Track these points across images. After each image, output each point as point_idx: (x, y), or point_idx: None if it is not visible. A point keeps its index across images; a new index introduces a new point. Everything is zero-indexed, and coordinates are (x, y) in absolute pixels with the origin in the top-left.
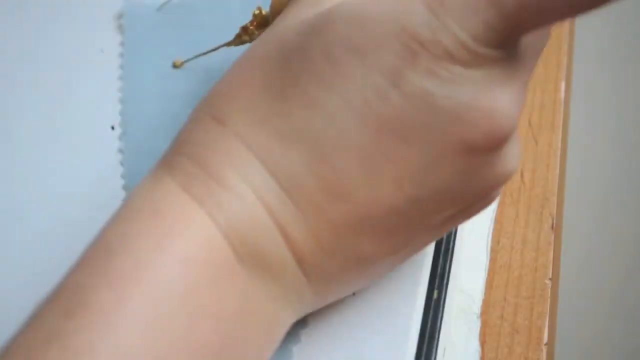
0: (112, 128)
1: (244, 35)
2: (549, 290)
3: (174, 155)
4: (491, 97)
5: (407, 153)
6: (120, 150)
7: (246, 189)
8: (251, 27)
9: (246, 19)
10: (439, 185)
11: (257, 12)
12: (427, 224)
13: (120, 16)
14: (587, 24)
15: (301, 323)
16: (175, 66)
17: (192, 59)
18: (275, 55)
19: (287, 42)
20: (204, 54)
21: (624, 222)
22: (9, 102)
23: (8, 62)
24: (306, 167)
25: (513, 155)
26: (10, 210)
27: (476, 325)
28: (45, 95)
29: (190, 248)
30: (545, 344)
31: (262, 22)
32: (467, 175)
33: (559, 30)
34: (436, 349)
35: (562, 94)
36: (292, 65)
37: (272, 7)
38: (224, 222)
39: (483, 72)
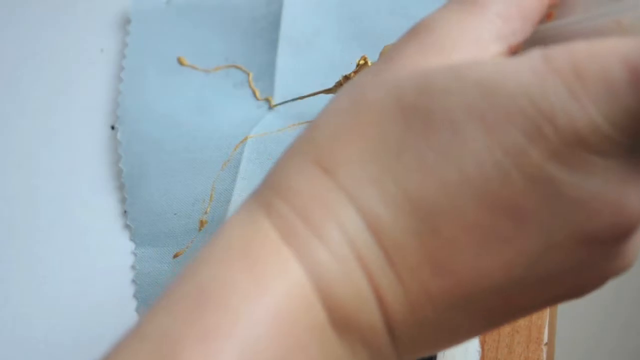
0: (112, 127)
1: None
2: None
3: (273, 197)
4: (622, 190)
5: (522, 236)
6: (123, 148)
7: (348, 250)
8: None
9: (250, 18)
10: (550, 271)
11: (362, 62)
12: (528, 305)
13: (123, 16)
14: None
15: None
16: (180, 63)
17: (284, 102)
18: (392, 109)
19: (406, 97)
20: (299, 98)
21: None
22: (8, 100)
23: (8, 61)
24: (414, 237)
25: (633, 249)
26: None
27: None
28: (45, 94)
29: (284, 306)
30: (545, 344)
31: None
32: (582, 265)
33: None
34: None
35: None
36: (410, 124)
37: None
38: (321, 282)
39: (617, 162)
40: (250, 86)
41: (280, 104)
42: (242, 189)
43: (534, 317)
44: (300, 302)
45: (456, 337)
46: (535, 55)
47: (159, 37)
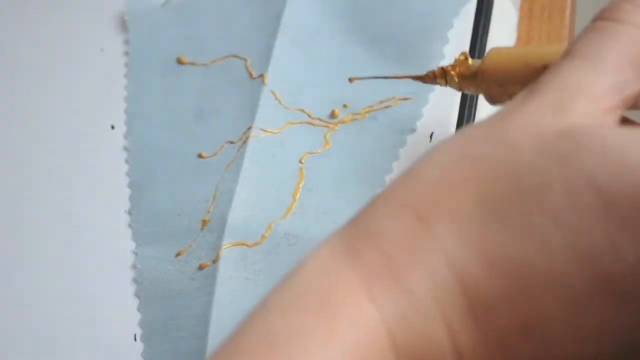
0: (112, 127)
1: (440, 78)
2: None
3: (360, 240)
4: None
5: (619, 314)
6: (125, 148)
7: (433, 306)
8: (452, 72)
9: (249, 16)
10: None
11: (462, 57)
12: None
13: (121, 15)
14: None
15: None
16: (179, 62)
17: (365, 78)
18: (503, 167)
19: (521, 157)
20: (379, 77)
21: None
22: (8, 100)
23: (8, 61)
24: (507, 300)
25: None
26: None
27: None
28: (45, 94)
29: (358, 357)
30: None
31: (466, 72)
32: None
33: None
34: None
35: None
36: (522, 185)
37: (486, 64)
38: (399, 335)
39: None
40: (247, 69)
41: (359, 78)
42: (244, 188)
43: None
44: (373, 353)
45: None
46: None
47: (157, 37)
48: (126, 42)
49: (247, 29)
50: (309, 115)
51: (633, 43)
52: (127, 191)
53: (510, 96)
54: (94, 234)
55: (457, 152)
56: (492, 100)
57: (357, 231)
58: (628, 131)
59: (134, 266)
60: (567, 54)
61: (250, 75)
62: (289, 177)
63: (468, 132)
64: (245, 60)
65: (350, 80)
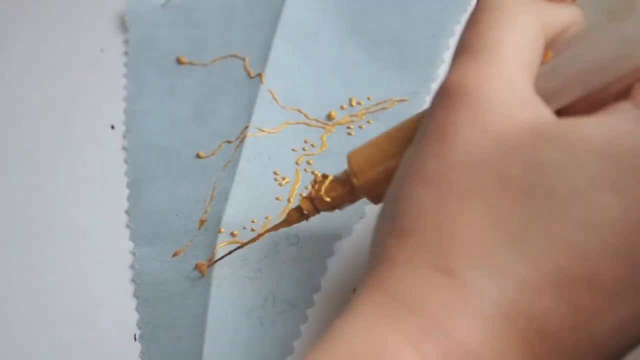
0: (112, 127)
1: (309, 211)
2: None
3: (398, 310)
4: None
5: None
6: (124, 148)
7: (487, 349)
8: (321, 194)
9: (248, 16)
10: None
11: (320, 179)
12: None
13: (121, 15)
14: None
15: (302, 318)
16: (179, 62)
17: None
18: (499, 192)
19: (514, 178)
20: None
21: None
22: (8, 100)
23: (7, 62)
24: (559, 316)
25: None
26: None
27: None
28: (45, 94)
29: None
30: None
31: (336, 185)
32: None
33: None
34: None
35: None
36: (531, 203)
37: (353, 167)
38: None
39: None
40: (245, 69)
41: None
42: (239, 188)
43: None
44: None
45: None
46: (633, 112)
47: (157, 37)
48: (126, 42)
49: (246, 29)
50: (306, 116)
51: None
52: (126, 191)
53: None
54: (93, 234)
55: (439, 194)
56: (375, 199)
57: (393, 300)
58: (597, 121)
59: (132, 266)
60: (462, 51)
61: (249, 74)
62: (285, 178)
63: (430, 168)
64: (244, 60)
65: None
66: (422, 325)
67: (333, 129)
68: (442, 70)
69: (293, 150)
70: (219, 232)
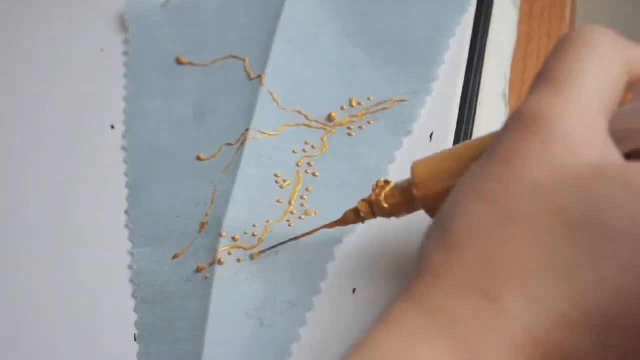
0: (112, 127)
1: (366, 214)
2: None
3: (436, 326)
4: None
5: None
6: (124, 148)
7: None
8: (380, 199)
9: (248, 16)
10: None
11: (381, 183)
12: None
13: (121, 15)
14: None
15: (300, 321)
16: (179, 62)
17: (276, 246)
18: (553, 222)
19: (569, 209)
20: (292, 239)
21: None
22: (8, 100)
23: (7, 61)
24: (589, 354)
25: None
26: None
27: None
28: (45, 94)
29: None
30: None
31: (396, 193)
32: None
33: None
34: None
35: None
36: (582, 238)
37: (416, 177)
38: None
39: None
40: (245, 70)
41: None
42: (240, 191)
43: None
44: None
45: None
46: None
47: (157, 37)
48: (126, 42)
49: (246, 30)
50: (307, 117)
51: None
52: (125, 191)
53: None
54: (92, 234)
55: (494, 213)
56: (432, 212)
57: (429, 316)
58: None
59: (130, 267)
60: (542, 79)
61: (249, 76)
62: (286, 180)
63: (483, 189)
64: (244, 61)
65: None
66: (456, 347)
67: (334, 130)
68: (442, 70)
69: (294, 152)
70: (220, 235)
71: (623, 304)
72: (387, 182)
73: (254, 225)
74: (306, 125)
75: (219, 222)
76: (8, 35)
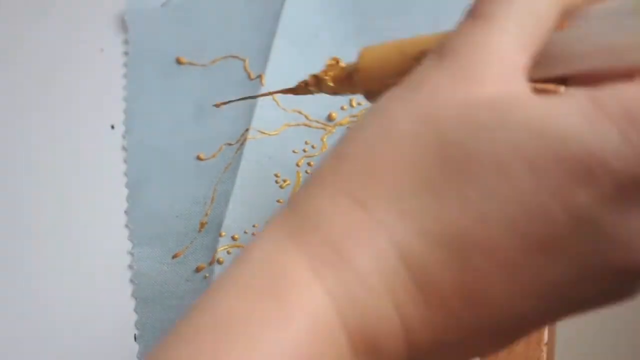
0: (112, 127)
1: (313, 86)
2: None
3: (303, 228)
4: None
5: (557, 270)
6: (124, 148)
7: (379, 281)
8: (325, 77)
9: (248, 16)
10: (579, 300)
11: (333, 62)
12: (549, 322)
13: (121, 15)
14: None
15: None
16: (179, 62)
17: (232, 101)
18: (430, 143)
19: (447, 132)
20: (246, 98)
21: None
22: (8, 100)
23: (7, 61)
24: (448, 270)
25: None
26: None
27: None
28: (46, 94)
29: (309, 337)
30: (546, 344)
31: (340, 74)
32: (612, 292)
33: None
34: None
35: None
36: (451, 160)
37: (361, 62)
38: (348, 314)
39: None
40: (245, 70)
41: (223, 104)
42: (240, 190)
43: None
44: (325, 334)
45: (472, 355)
46: (582, 99)
47: (157, 37)
48: (126, 42)
49: (246, 29)
50: (307, 117)
51: None
52: (125, 191)
53: (387, 88)
54: (92, 233)
55: (380, 131)
56: (371, 97)
57: (298, 218)
58: (545, 100)
59: (130, 266)
60: (470, 14)
61: (249, 75)
62: (286, 180)
63: (385, 107)
64: (244, 60)
65: (217, 105)
66: (325, 252)
67: (334, 130)
68: None
69: (294, 152)
70: (220, 235)
71: (485, 227)
72: (337, 61)
73: (253, 225)
74: (306, 125)
75: (219, 222)
76: (8, 35)
